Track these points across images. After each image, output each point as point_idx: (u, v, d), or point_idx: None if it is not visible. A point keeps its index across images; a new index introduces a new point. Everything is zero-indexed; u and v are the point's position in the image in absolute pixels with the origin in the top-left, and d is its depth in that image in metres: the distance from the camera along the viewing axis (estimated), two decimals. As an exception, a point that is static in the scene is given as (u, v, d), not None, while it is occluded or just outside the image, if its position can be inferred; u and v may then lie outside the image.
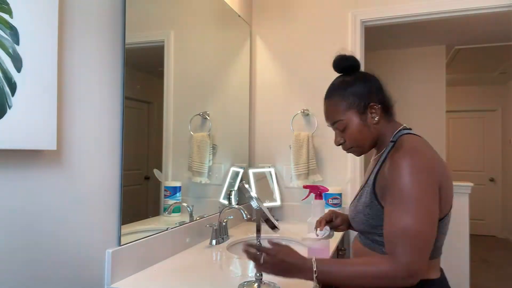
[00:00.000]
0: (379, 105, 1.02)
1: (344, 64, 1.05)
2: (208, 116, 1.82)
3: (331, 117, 1.05)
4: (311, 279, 0.89)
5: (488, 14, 2.12)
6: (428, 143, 0.99)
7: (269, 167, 2.35)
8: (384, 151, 1.02)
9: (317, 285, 0.92)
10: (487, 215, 5.85)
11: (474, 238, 5.64)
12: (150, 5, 1.38)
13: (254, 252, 0.93)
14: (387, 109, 1.05)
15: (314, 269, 0.88)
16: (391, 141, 1.01)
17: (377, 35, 3.55)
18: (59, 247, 1.00)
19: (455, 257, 2.76)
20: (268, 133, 2.40)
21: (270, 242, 0.97)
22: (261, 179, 2.30)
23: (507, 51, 4.07)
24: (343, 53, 1.06)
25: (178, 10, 1.57)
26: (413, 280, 0.84)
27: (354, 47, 2.22)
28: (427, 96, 3.95)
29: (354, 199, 1.08)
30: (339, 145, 1.07)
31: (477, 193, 5.81)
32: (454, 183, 2.82)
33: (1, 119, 0.81)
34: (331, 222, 1.22)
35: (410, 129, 1.06)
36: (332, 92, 1.05)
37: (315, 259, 0.90)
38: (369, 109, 1.02)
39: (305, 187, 1.38)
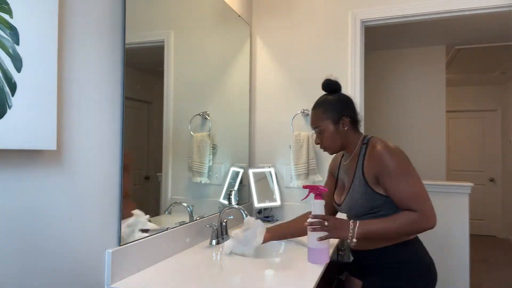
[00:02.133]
0: (348, 119, 1.40)
1: (329, 86, 1.46)
2: (208, 116, 1.82)
3: (314, 123, 1.45)
4: (353, 236, 1.27)
5: (488, 14, 2.12)
6: None
7: (269, 167, 2.35)
8: (360, 152, 1.38)
9: (354, 241, 1.27)
10: (487, 215, 5.85)
11: (474, 238, 5.64)
12: (150, 5, 1.38)
13: (317, 221, 1.29)
14: (354, 122, 1.43)
15: (357, 230, 1.27)
16: (364, 143, 1.39)
17: (377, 35, 3.55)
18: (59, 247, 1.00)
19: (455, 257, 2.76)
20: (268, 133, 2.40)
21: (314, 216, 1.31)
22: (261, 179, 2.30)
23: (507, 51, 4.07)
24: (329, 77, 1.46)
25: (178, 10, 1.57)
26: (434, 222, 1.22)
27: (354, 47, 2.22)
28: (427, 96, 3.95)
29: (346, 194, 1.42)
30: (317, 144, 1.46)
31: (477, 193, 5.81)
32: (454, 183, 2.82)
33: (1, 119, 0.80)
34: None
35: (372, 136, 1.43)
36: (318, 105, 1.46)
37: (358, 222, 1.29)
38: (341, 120, 1.40)
39: (305, 187, 1.39)
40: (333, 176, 1.59)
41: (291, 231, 1.62)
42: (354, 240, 1.27)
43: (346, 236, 1.28)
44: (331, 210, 1.60)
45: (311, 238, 1.33)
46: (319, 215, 1.30)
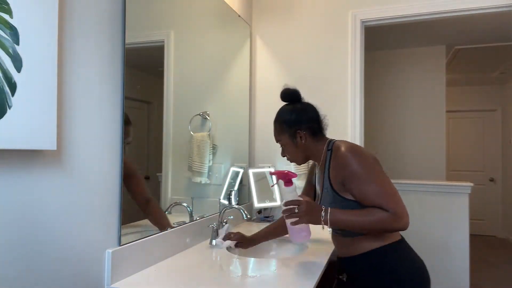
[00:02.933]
0: (304, 132, 1.34)
1: (286, 96, 1.40)
2: (208, 116, 1.82)
3: (276, 137, 1.42)
4: (326, 222, 1.20)
5: (488, 14, 2.12)
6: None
7: (269, 167, 2.34)
8: (326, 159, 1.32)
9: (328, 229, 1.23)
10: (487, 215, 5.85)
11: (474, 238, 5.64)
12: (150, 5, 1.38)
13: (289, 207, 1.22)
14: (315, 132, 1.36)
15: (329, 216, 1.20)
16: (328, 150, 1.32)
17: (377, 35, 3.55)
18: (59, 247, 1.00)
19: (455, 257, 2.76)
20: (268, 133, 2.40)
21: (287, 202, 1.24)
22: (261, 179, 2.30)
23: (507, 51, 4.07)
24: (287, 86, 1.40)
25: (178, 10, 1.57)
26: (406, 221, 1.16)
27: (354, 47, 2.22)
28: (427, 96, 3.95)
29: (319, 203, 1.36)
30: (283, 157, 1.42)
31: (477, 193, 5.81)
32: (454, 183, 2.82)
33: (1, 119, 0.80)
34: (238, 243, 1.59)
35: (336, 140, 1.37)
36: (276, 119, 1.41)
37: (330, 209, 1.21)
38: (297, 134, 1.35)
39: (272, 173, 1.32)
40: (312, 183, 1.54)
41: (270, 230, 1.62)
42: (329, 228, 1.22)
43: (318, 222, 1.22)
44: (280, 232, 1.60)
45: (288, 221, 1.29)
46: (291, 201, 1.24)
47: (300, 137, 1.34)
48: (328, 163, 1.30)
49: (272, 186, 1.56)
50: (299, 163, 1.42)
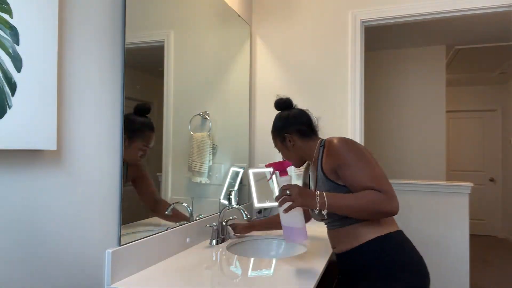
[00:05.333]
0: (292, 134, 1.42)
1: (280, 105, 1.49)
2: (208, 116, 1.82)
3: (274, 143, 1.51)
4: (322, 206, 1.20)
5: (488, 14, 2.12)
6: None
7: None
8: (318, 155, 1.37)
9: (324, 212, 1.21)
10: (487, 215, 5.85)
11: (474, 238, 5.64)
12: (150, 5, 1.38)
13: (281, 190, 1.22)
14: (304, 134, 1.42)
15: (326, 200, 1.20)
16: (321, 146, 1.38)
17: (377, 35, 3.55)
18: (59, 247, 1.00)
19: (455, 257, 2.76)
20: (268, 133, 2.40)
21: (280, 188, 1.24)
22: (261, 179, 2.30)
23: (507, 51, 4.07)
24: (280, 96, 1.50)
25: (178, 10, 1.57)
26: (397, 204, 1.20)
27: (354, 47, 2.22)
28: (427, 96, 3.95)
29: None
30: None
31: (477, 193, 5.81)
32: (454, 183, 2.82)
33: (1, 119, 0.81)
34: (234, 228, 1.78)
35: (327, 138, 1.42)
36: (272, 126, 1.50)
37: (325, 193, 1.22)
38: (286, 138, 1.43)
39: (268, 165, 1.32)
40: (306, 183, 1.57)
41: (271, 220, 1.75)
42: (324, 212, 1.20)
43: (312, 204, 1.20)
44: (308, 216, 1.63)
45: (282, 214, 1.25)
46: (284, 185, 1.23)
47: (289, 140, 1.42)
48: (320, 157, 1.35)
49: (268, 180, 1.58)
50: (296, 166, 1.48)
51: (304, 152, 1.43)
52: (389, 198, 1.19)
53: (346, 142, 1.30)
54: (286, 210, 1.20)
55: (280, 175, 1.26)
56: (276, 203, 1.28)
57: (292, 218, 1.24)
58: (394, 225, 1.33)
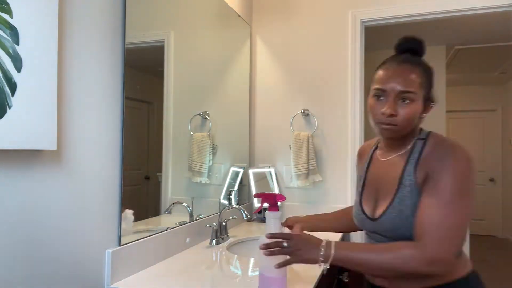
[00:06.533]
0: (432, 105, 1.02)
1: (415, 45, 1.05)
2: (208, 116, 1.83)
3: (405, 84, 0.95)
4: (326, 259, 0.93)
5: (488, 14, 2.12)
6: None
7: (269, 167, 2.35)
8: (414, 148, 1.00)
9: (325, 267, 0.94)
10: (487, 215, 5.85)
11: (474, 238, 5.64)
12: (150, 5, 1.38)
13: (274, 241, 0.97)
14: (426, 110, 1.03)
15: (332, 251, 0.92)
16: (420, 139, 1.00)
17: (377, 35, 3.55)
18: (59, 247, 1.00)
19: (455, 257, 2.76)
20: (268, 133, 2.40)
21: (270, 235, 0.99)
22: (261, 179, 2.30)
23: (507, 51, 4.07)
24: (411, 35, 1.06)
25: (178, 10, 1.57)
26: (433, 268, 0.85)
27: (354, 47, 2.22)
28: (427, 96, 3.94)
29: (389, 205, 0.98)
30: (388, 113, 0.96)
31: (477, 193, 5.81)
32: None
33: (1, 119, 0.80)
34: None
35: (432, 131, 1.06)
36: (413, 64, 0.98)
37: (334, 242, 0.94)
38: (429, 101, 1.01)
39: (256, 196, 1.08)
40: (360, 174, 1.18)
41: (325, 223, 1.31)
42: (327, 266, 0.93)
43: (314, 259, 0.93)
44: (352, 225, 1.26)
45: (266, 263, 1.00)
46: (276, 233, 0.98)
47: (429, 107, 1.01)
48: (417, 154, 0.98)
49: (255, 212, 1.38)
50: (399, 133, 0.99)
51: (414, 128, 1.01)
52: (427, 260, 0.85)
53: (468, 162, 0.90)
54: (281, 265, 0.96)
55: (269, 209, 1.04)
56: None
57: (279, 270, 1.00)
58: (467, 264, 0.99)
